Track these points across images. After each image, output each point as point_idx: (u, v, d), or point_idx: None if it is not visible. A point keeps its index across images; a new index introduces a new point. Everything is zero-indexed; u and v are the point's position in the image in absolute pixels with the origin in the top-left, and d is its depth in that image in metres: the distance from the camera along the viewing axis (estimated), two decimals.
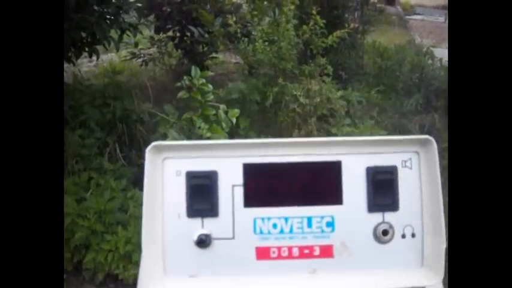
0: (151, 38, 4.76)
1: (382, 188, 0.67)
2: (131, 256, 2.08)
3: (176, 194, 0.62)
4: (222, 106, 2.33)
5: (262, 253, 0.63)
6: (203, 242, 0.57)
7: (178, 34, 4.47)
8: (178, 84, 2.21)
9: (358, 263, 0.68)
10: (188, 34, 4.29)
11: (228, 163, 0.63)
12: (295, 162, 0.63)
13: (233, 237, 0.62)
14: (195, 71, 2.16)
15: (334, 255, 0.68)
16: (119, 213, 2.21)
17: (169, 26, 4.33)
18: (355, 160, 0.66)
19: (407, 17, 14.32)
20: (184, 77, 2.20)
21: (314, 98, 2.72)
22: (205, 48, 4.19)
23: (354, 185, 0.66)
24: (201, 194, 0.62)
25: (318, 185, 0.70)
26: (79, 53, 2.95)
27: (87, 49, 2.94)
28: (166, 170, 0.63)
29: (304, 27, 2.82)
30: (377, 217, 0.66)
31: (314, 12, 2.77)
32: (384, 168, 0.68)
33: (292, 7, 2.76)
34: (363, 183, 0.67)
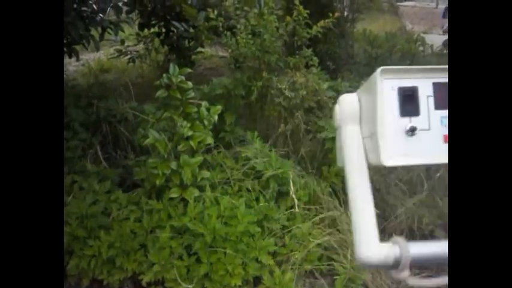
0: (138, 34, 4.68)
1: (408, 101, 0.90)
2: (115, 261, 2.02)
3: (392, 102, 0.87)
4: (204, 103, 2.26)
5: (445, 138, 0.91)
6: (412, 130, 0.83)
7: (163, 30, 4.39)
8: (157, 82, 2.14)
9: None
10: (174, 30, 4.21)
11: (424, 81, 0.89)
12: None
13: (429, 129, 0.88)
14: (173, 68, 2.09)
15: None
16: (101, 217, 2.15)
17: (154, 22, 4.24)
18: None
19: (398, 3, 14.24)
20: (164, 75, 2.12)
21: (300, 91, 2.65)
22: (191, 43, 4.10)
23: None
24: (408, 102, 0.89)
25: None
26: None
27: (65, 49, 2.85)
28: (385, 87, 0.87)
29: (288, 18, 2.74)
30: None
31: (297, 2, 2.69)
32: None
33: None
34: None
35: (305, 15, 2.72)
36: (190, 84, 2.12)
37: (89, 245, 2.05)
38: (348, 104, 0.93)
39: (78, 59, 3.27)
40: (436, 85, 0.94)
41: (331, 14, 2.75)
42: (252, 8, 3.31)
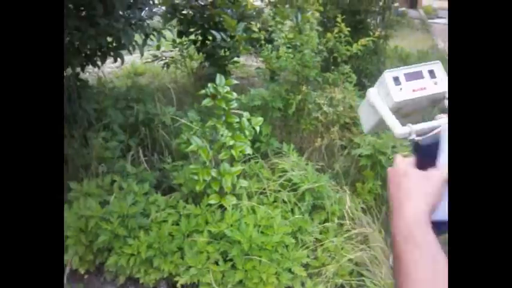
0: (173, 41, 4.80)
1: None
2: (152, 261, 2.10)
3: None
4: (246, 114, 2.33)
5: None
6: None
7: (200, 38, 4.50)
8: (203, 91, 2.22)
9: None
10: (210, 38, 4.31)
11: None
12: None
13: None
14: (220, 79, 2.17)
15: None
16: (141, 217, 2.23)
17: (192, 30, 4.36)
18: None
19: (430, 20, 14.15)
20: (209, 85, 2.20)
21: (337, 107, 2.70)
22: (227, 53, 4.20)
23: None
24: None
25: None
26: (104, 57, 2.99)
27: (112, 54, 2.97)
28: None
29: (329, 35, 2.81)
30: None
31: (339, 19, 2.75)
32: None
33: (317, 14, 2.74)
34: None
35: (346, 32, 2.78)
36: (235, 94, 2.19)
37: (128, 244, 2.13)
38: None
39: (123, 63, 3.39)
40: None
41: (371, 33, 2.80)
42: (285, 20, 3.38)
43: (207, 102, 2.16)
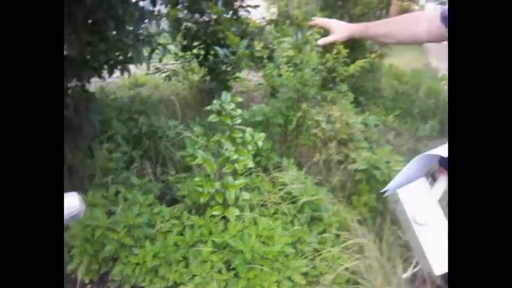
0: (176, 54, 4.92)
1: None
2: (157, 270, 2.19)
3: None
4: (249, 129, 2.45)
5: None
6: None
7: (202, 52, 4.64)
8: (208, 107, 2.34)
9: None
10: (212, 53, 4.45)
11: None
12: None
13: None
14: (225, 96, 2.29)
15: None
16: (146, 228, 2.33)
17: (195, 45, 4.50)
18: None
19: None
20: (214, 101, 2.32)
21: (335, 124, 2.83)
22: (229, 68, 4.33)
23: None
24: None
25: None
26: (112, 70, 3.11)
27: (119, 67, 3.09)
28: None
29: (328, 55, 2.95)
30: None
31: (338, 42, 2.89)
32: None
33: (317, 36, 2.88)
34: None
35: (344, 54, 2.92)
36: (239, 111, 2.31)
37: (134, 254, 2.22)
38: None
39: (129, 76, 3.51)
40: None
41: (368, 54, 2.94)
42: (285, 37, 3.52)
43: (213, 118, 2.28)
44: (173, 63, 5.43)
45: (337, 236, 2.37)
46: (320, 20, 1.67)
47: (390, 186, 1.02)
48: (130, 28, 2.98)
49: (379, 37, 1.57)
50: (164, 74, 4.98)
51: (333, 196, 2.57)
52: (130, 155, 3.22)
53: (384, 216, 2.53)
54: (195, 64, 4.96)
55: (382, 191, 1.05)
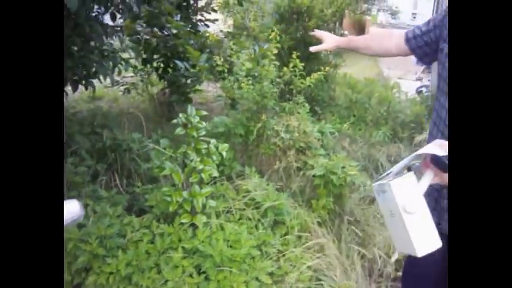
0: (135, 66, 4.98)
1: None
2: (131, 278, 2.28)
3: None
4: (213, 141, 2.59)
5: None
6: None
7: (161, 65, 4.74)
8: (175, 121, 2.46)
9: None
10: (172, 66, 4.56)
11: None
12: None
13: None
14: (191, 109, 2.42)
15: None
16: (117, 238, 2.41)
17: (155, 58, 4.59)
18: None
19: None
20: (180, 115, 2.45)
21: (293, 133, 3.02)
22: (189, 81, 4.46)
23: None
24: None
25: None
26: (76, 86, 3.17)
27: (83, 82, 3.16)
28: None
29: (285, 69, 3.15)
30: None
31: (294, 56, 3.10)
32: None
33: (275, 51, 3.07)
34: None
35: (301, 67, 3.13)
36: (204, 124, 2.45)
37: (107, 263, 2.30)
38: None
39: (94, 92, 3.56)
40: None
41: (322, 68, 3.17)
42: (243, 50, 3.69)
43: (179, 131, 2.40)
44: (132, 76, 5.46)
45: (299, 237, 2.55)
46: (318, 32, 2.05)
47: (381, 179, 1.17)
48: (95, 44, 3.06)
49: (359, 49, 1.92)
50: (123, 87, 5.02)
51: (293, 201, 2.75)
52: (95, 169, 3.28)
53: (341, 218, 2.74)
54: (154, 77, 5.04)
55: (379, 180, 1.18)
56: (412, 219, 1.02)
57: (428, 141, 1.48)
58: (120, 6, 3.10)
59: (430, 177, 1.10)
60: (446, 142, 1.04)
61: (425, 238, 1.03)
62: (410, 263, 1.90)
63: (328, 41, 1.96)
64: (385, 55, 1.94)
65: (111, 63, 3.27)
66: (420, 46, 1.66)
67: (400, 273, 2.52)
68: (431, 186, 1.11)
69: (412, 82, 8.88)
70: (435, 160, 1.08)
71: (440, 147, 1.03)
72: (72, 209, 1.11)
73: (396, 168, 1.13)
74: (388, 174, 1.14)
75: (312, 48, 1.99)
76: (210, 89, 6.22)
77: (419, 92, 7.35)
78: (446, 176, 1.08)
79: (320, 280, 2.30)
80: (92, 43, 3.13)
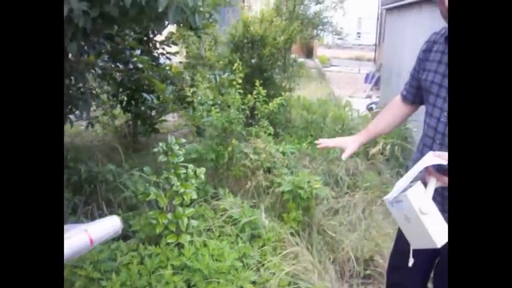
0: (103, 101, 5.12)
1: None
2: None
3: None
4: (191, 166, 2.84)
5: None
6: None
7: (126, 99, 4.93)
8: (156, 149, 2.69)
9: None
10: (136, 98, 4.78)
11: None
12: None
13: None
14: (171, 139, 2.67)
15: None
16: (109, 261, 2.58)
17: (121, 92, 4.79)
18: None
19: (325, 69, 15.56)
20: (161, 144, 2.68)
21: (260, 154, 3.32)
22: (154, 113, 4.67)
23: None
24: None
25: None
26: None
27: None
28: None
29: (249, 96, 3.46)
30: None
31: (257, 84, 3.43)
32: None
33: (240, 80, 3.38)
34: None
35: (263, 94, 3.45)
36: (183, 150, 2.70)
37: (102, 286, 2.47)
38: None
39: (72, 127, 3.71)
40: None
41: (278, 87, 3.50)
42: (204, 80, 3.97)
43: (161, 158, 2.64)
44: (94, 110, 5.59)
45: (275, 248, 2.82)
46: (331, 143, 2.02)
47: (393, 193, 1.41)
48: (75, 82, 3.24)
49: (380, 133, 2.04)
50: (85, 122, 5.14)
51: (266, 215, 3.03)
52: (73, 202, 3.42)
53: (311, 228, 3.04)
54: (118, 110, 5.20)
55: (392, 198, 1.42)
56: (427, 218, 1.28)
57: (416, 157, 1.67)
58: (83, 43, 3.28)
59: (434, 183, 1.37)
60: (444, 153, 1.28)
61: (440, 231, 1.28)
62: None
63: (350, 146, 1.91)
64: (403, 121, 2.02)
65: (91, 100, 3.45)
66: (414, 94, 1.81)
67: (368, 272, 2.85)
68: (435, 191, 1.35)
69: (363, 100, 9.48)
70: (436, 168, 1.34)
71: (440, 158, 1.28)
72: (115, 223, 1.32)
73: (403, 181, 1.37)
74: (398, 190, 1.38)
75: (344, 156, 1.91)
76: (170, 118, 6.44)
77: (370, 109, 7.90)
78: (446, 178, 1.33)
79: (297, 284, 2.58)
80: (67, 81, 3.30)
